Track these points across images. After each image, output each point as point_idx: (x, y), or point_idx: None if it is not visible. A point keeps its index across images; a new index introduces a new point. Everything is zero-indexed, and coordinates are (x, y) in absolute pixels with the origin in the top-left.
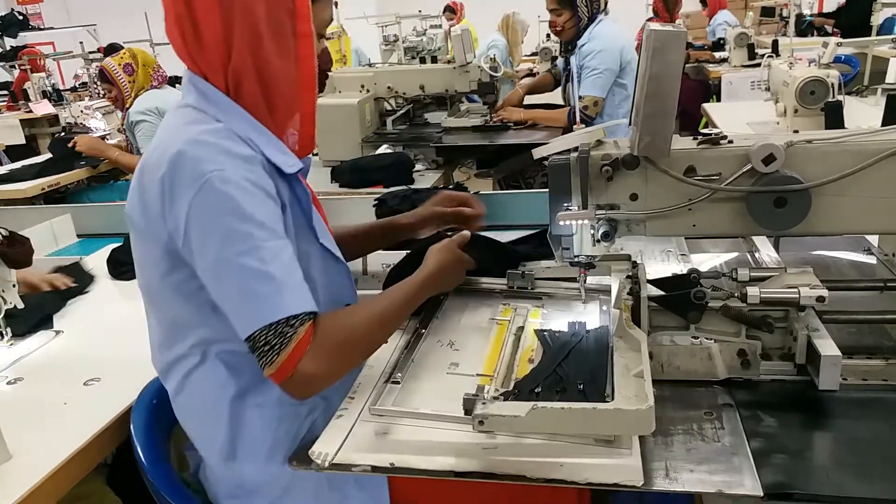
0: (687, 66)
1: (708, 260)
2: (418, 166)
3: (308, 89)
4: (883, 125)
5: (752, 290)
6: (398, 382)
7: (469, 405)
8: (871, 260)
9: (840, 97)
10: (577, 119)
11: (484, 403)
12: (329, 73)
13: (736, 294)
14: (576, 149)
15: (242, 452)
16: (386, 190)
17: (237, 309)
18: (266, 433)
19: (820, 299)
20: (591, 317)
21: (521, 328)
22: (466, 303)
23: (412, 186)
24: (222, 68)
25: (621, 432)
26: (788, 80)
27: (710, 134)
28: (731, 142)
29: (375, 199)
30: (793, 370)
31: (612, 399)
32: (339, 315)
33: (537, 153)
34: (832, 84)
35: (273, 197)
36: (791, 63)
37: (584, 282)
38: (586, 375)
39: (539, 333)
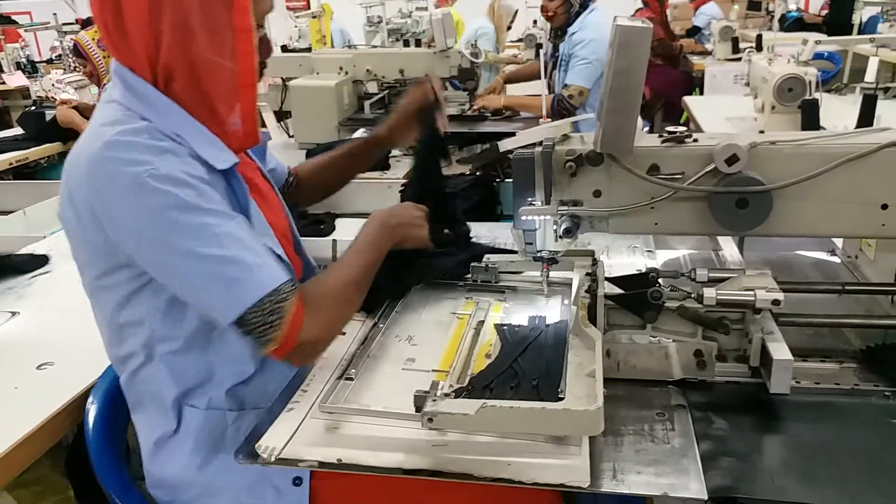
0: (674, 56)
1: (673, 256)
2: (395, 151)
3: (247, 86)
4: (858, 125)
5: (709, 292)
6: (351, 379)
7: (419, 402)
8: (835, 260)
9: (817, 95)
10: (557, 107)
11: (434, 401)
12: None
13: (693, 295)
14: (541, 143)
15: (168, 449)
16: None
17: (214, 299)
18: (195, 434)
19: (775, 302)
20: (553, 311)
21: (482, 322)
22: (428, 296)
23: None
24: (149, 62)
25: (570, 433)
26: (767, 76)
27: (676, 132)
28: (695, 140)
29: (402, 185)
30: (747, 372)
31: (564, 397)
32: (317, 281)
33: (503, 145)
34: (809, 82)
35: (210, 183)
36: (771, 59)
37: (548, 276)
38: (541, 371)
39: (498, 328)
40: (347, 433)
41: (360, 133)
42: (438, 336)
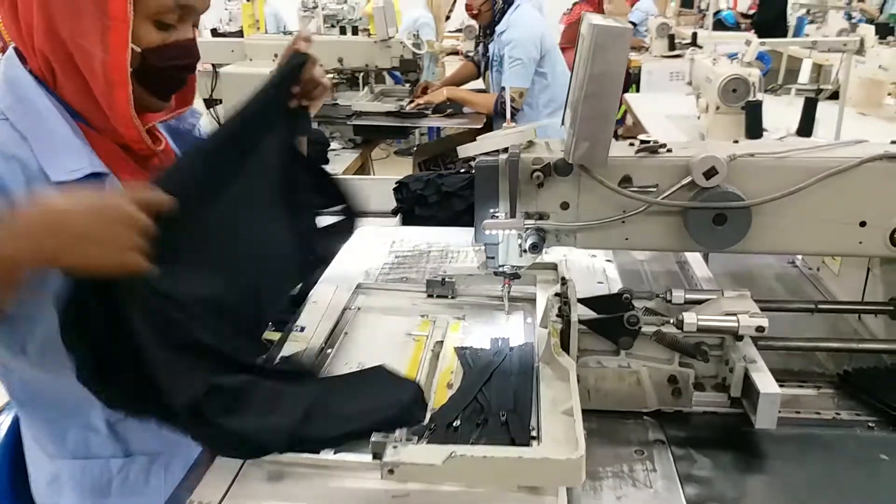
0: None
1: (633, 266)
2: (334, 145)
3: (117, 85)
4: (799, 130)
5: (689, 317)
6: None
7: (378, 449)
8: (794, 272)
9: (760, 96)
10: (506, 113)
11: (395, 447)
12: (191, 72)
13: (672, 321)
14: (505, 150)
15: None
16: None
17: None
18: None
19: (759, 329)
20: (515, 330)
21: (440, 343)
22: (379, 313)
23: (440, 171)
24: (29, 46)
25: (547, 484)
26: (712, 76)
27: (649, 141)
28: (669, 150)
29: (396, 183)
30: (726, 402)
31: (537, 436)
32: None
33: (463, 151)
34: (753, 83)
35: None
36: (714, 59)
37: (509, 293)
38: (509, 405)
39: (459, 352)
40: (294, 484)
41: None
42: (393, 361)
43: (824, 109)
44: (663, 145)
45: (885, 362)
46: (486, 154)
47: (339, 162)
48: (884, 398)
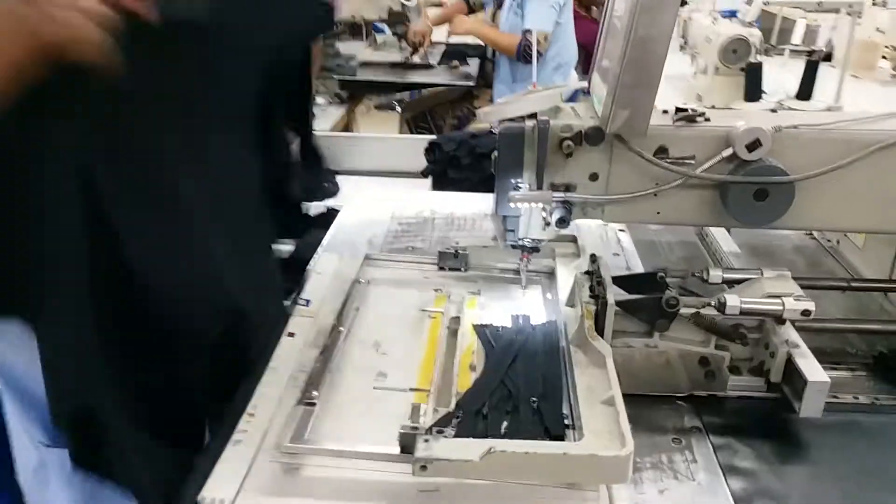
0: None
1: (647, 235)
2: (319, 100)
3: None
4: (799, 93)
5: (732, 300)
6: (313, 403)
7: (408, 442)
8: (812, 244)
9: (760, 58)
10: (532, 56)
11: (427, 441)
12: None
13: (712, 302)
14: (533, 115)
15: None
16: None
17: None
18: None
19: (805, 313)
20: (535, 307)
21: (457, 321)
22: (390, 287)
23: (469, 130)
24: None
25: (592, 482)
26: (712, 36)
27: (686, 109)
28: (708, 119)
29: (428, 143)
30: (763, 386)
31: (572, 425)
32: None
33: (485, 116)
34: (754, 44)
35: None
36: (714, 18)
37: (527, 267)
38: (538, 389)
39: (479, 330)
40: (311, 476)
41: None
42: (410, 340)
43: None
44: (701, 114)
45: None
46: (510, 120)
47: (326, 118)
48: None
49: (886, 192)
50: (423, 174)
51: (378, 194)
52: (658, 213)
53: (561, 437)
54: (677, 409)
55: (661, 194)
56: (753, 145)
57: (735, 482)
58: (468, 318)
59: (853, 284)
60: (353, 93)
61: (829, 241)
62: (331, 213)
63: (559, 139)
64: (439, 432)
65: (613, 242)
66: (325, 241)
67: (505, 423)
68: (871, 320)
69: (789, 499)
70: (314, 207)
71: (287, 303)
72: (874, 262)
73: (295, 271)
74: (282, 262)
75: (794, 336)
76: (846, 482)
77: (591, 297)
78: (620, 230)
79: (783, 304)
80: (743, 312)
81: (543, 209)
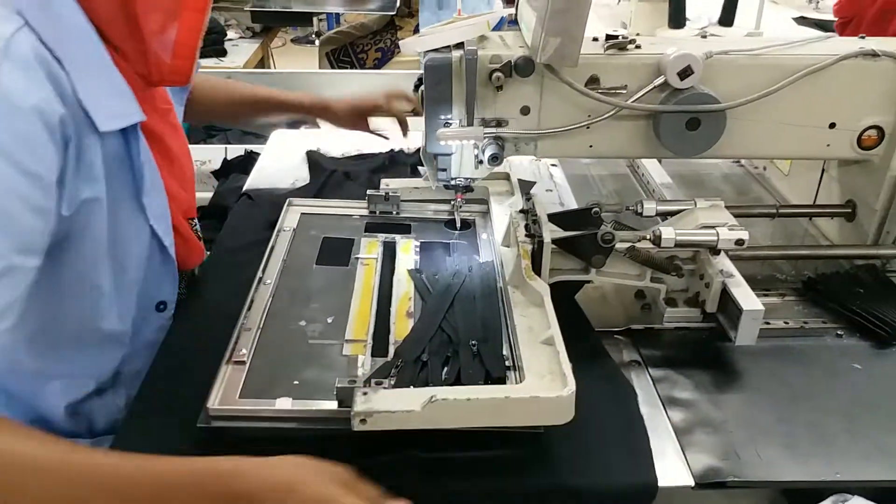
0: None
1: (579, 170)
2: (230, 34)
3: (194, 8)
4: (721, 19)
5: (667, 233)
6: (243, 362)
7: (345, 396)
8: (740, 171)
9: None
10: None
11: (365, 394)
12: None
13: (647, 236)
14: (459, 45)
15: None
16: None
17: None
18: None
19: (739, 242)
20: (470, 247)
21: (391, 267)
22: (316, 233)
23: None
24: None
25: (535, 423)
26: None
27: (617, 36)
28: (639, 46)
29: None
30: (698, 317)
31: (513, 366)
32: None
33: (406, 47)
34: None
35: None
36: None
37: (460, 207)
38: (478, 333)
39: (414, 276)
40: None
41: None
42: (341, 289)
43: None
44: (632, 41)
45: (844, 267)
46: (436, 51)
47: (238, 53)
48: (849, 304)
49: (813, 118)
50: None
51: (300, 134)
52: (591, 146)
53: (502, 380)
54: (616, 344)
55: (593, 127)
56: (685, 72)
57: (675, 413)
58: (402, 264)
59: (781, 211)
60: (267, 25)
61: (755, 168)
62: (250, 157)
63: (488, 71)
64: (378, 384)
65: (546, 178)
66: (245, 187)
67: (445, 369)
68: (800, 246)
69: (727, 426)
70: (232, 151)
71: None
72: (799, 187)
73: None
74: (201, 210)
75: (729, 265)
76: (780, 406)
77: (526, 235)
78: (553, 165)
79: (717, 235)
80: (678, 244)
81: (475, 146)
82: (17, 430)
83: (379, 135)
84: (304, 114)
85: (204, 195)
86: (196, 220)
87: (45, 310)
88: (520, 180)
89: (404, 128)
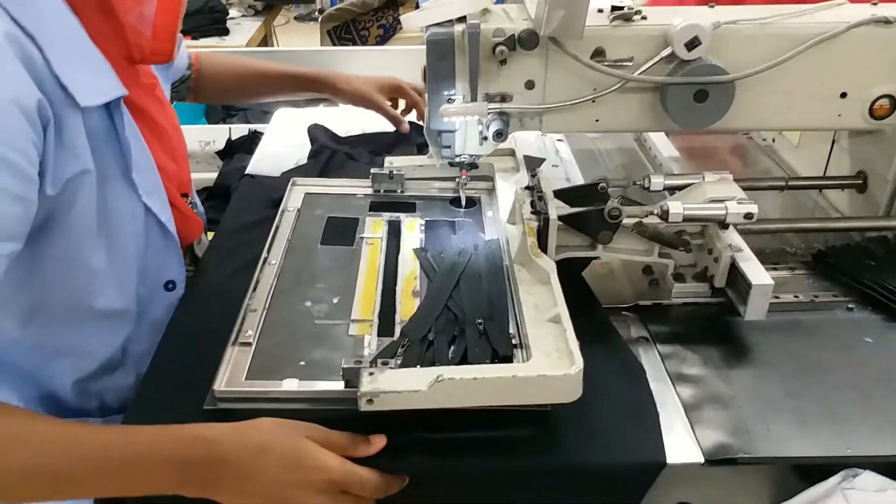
0: None
1: (585, 144)
2: (233, 12)
3: None
4: None
5: (675, 207)
6: (249, 344)
7: (352, 377)
8: (748, 143)
9: None
10: None
11: (371, 374)
12: None
13: (655, 211)
14: (462, 19)
15: None
16: None
17: None
18: None
19: (748, 216)
20: (475, 225)
21: (396, 246)
22: (321, 213)
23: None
24: None
25: (542, 401)
26: None
27: (622, 6)
28: (644, 17)
29: None
30: (707, 292)
31: (520, 344)
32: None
33: (407, 21)
34: None
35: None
36: None
37: (465, 185)
38: (485, 311)
39: (420, 254)
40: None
41: None
42: (348, 270)
43: None
44: (637, 12)
45: (855, 239)
46: (437, 25)
47: (240, 32)
48: (860, 277)
49: (824, 88)
50: None
51: (304, 114)
52: (597, 120)
53: (509, 358)
54: (623, 320)
55: (599, 100)
56: (692, 43)
57: (684, 389)
58: (407, 243)
59: (791, 183)
60: (269, 3)
61: (764, 140)
62: (254, 137)
63: (492, 45)
64: (384, 364)
65: (552, 153)
66: (248, 168)
67: (452, 348)
68: (810, 219)
69: (737, 401)
70: (236, 132)
71: (210, 235)
72: (809, 159)
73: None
74: (205, 191)
75: (738, 240)
76: (790, 380)
77: (532, 213)
78: (559, 140)
79: (726, 209)
80: (686, 219)
81: (479, 122)
82: (19, 414)
83: (396, 116)
84: (316, 87)
85: (208, 176)
86: (191, 196)
87: (34, 289)
88: (526, 157)
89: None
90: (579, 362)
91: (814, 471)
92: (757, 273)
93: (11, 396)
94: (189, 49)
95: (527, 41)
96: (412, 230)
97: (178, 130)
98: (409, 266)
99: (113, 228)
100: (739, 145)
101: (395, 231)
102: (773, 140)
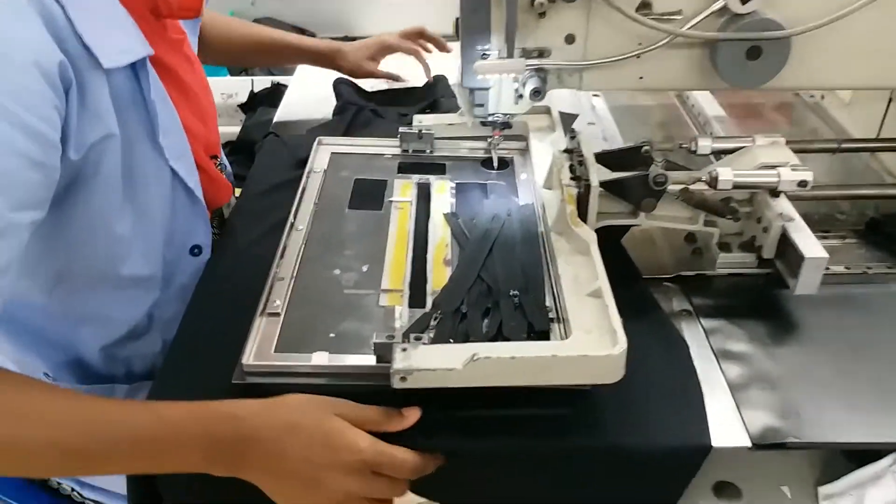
0: None
1: (623, 100)
2: None
3: None
4: None
5: (725, 174)
6: (277, 314)
7: (384, 352)
8: (794, 101)
9: None
10: None
11: (405, 350)
12: None
13: (703, 177)
14: None
15: None
16: None
17: None
18: None
19: (802, 184)
20: (508, 188)
21: (426, 210)
22: (348, 174)
23: None
24: None
25: (582, 382)
26: None
27: None
28: None
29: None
30: (754, 262)
31: (557, 317)
32: (18, 398)
33: None
34: None
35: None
36: None
37: (498, 145)
38: (520, 282)
39: (451, 220)
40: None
41: None
42: (377, 236)
43: None
44: None
45: None
46: None
47: None
48: None
49: (889, 43)
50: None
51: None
52: (641, 77)
53: (546, 334)
54: (665, 292)
55: (644, 56)
56: None
57: (729, 368)
58: (438, 207)
59: (843, 146)
60: None
61: (812, 96)
62: (277, 89)
63: None
64: (417, 339)
65: (588, 110)
66: (273, 123)
67: (486, 322)
68: (865, 185)
69: (785, 381)
70: (259, 83)
71: (234, 198)
72: (861, 118)
73: (244, 154)
74: (228, 145)
75: (789, 208)
76: (840, 358)
77: (571, 178)
78: (595, 95)
79: (779, 176)
80: (736, 186)
81: (515, 79)
82: (22, 382)
83: (392, 77)
84: (318, 61)
85: (231, 129)
86: (220, 157)
87: (59, 255)
88: (561, 113)
89: (425, 68)
90: (623, 342)
91: (863, 453)
92: (810, 245)
93: (40, 363)
94: None
95: None
96: (442, 193)
97: (206, 89)
98: (439, 232)
99: (139, 194)
100: (785, 102)
101: (424, 194)
102: (822, 97)
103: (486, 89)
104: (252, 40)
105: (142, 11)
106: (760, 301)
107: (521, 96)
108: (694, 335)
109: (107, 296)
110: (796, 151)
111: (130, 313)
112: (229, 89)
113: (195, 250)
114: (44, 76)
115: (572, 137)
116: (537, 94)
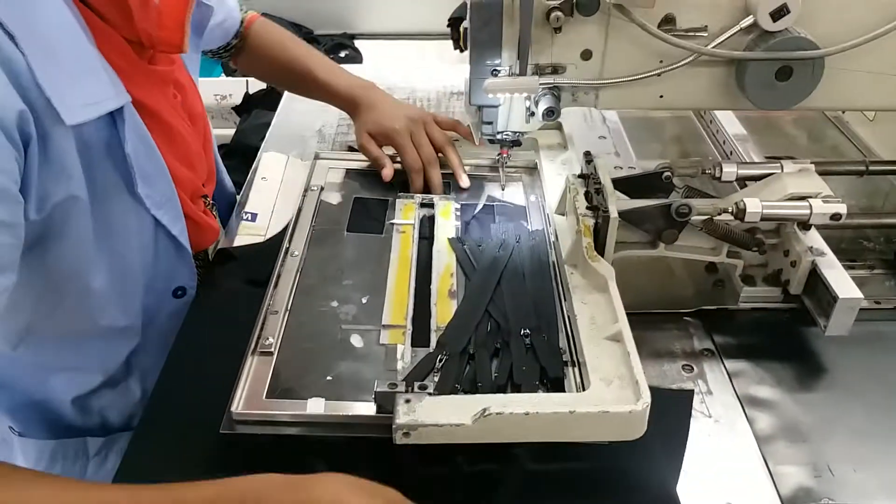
0: None
1: (636, 112)
2: None
3: None
4: None
5: (752, 205)
6: (270, 353)
7: (385, 402)
8: (815, 115)
9: None
10: None
11: (408, 401)
12: None
13: (730, 209)
14: None
15: None
16: None
17: None
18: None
19: (835, 217)
20: (516, 210)
21: (430, 232)
22: (347, 193)
23: None
24: None
25: (601, 439)
26: None
27: None
28: None
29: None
30: (779, 296)
31: (573, 360)
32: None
33: None
34: None
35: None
36: None
37: (505, 164)
38: (530, 319)
39: (456, 246)
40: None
41: None
42: (377, 263)
43: None
44: None
45: None
46: None
47: None
48: None
49: None
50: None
51: None
52: (661, 96)
53: (560, 381)
54: (684, 328)
55: (665, 75)
56: (779, 12)
57: (756, 416)
58: (442, 231)
59: (872, 168)
60: None
61: (833, 112)
62: (272, 91)
63: (545, 9)
64: (422, 388)
65: (598, 123)
66: (271, 127)
67: (495, 363)
68: (894, 213)
69: (816, 433)
70: (254, 85)
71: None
72: (886, 135)
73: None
74: (222, 149)
75: (820, 242)
76: (874, 406)
77: (588, 208)
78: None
79: (811, 208)
80: (764, 218)
81: (527, 97)
82: (18, 476)
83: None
84: (339, 106)
85: (225, 132)
86: (209, 198)
87: (27, 311)
88: None
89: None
90: (646, 395)
91: None
92: (843, 284)
93: (4, 416)
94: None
95: (586, 6)
96: (447, 216)
97: (200, 120)
98: (444, 260)
99: (116, 246)
100: (805, 117)
101: (428, 217)
102: (843, 112)
103: (496, 107)
104: (289, 67)
105: (122, 48)
106: (787, 339)
107: (532, 114)
108: (717, 378)
109: (80, 347)
110: (822, 174)
111: (106, 362)
112: (223, 91)
113: (178, 292)
114: (1, 128)
115: (589, 162)
116: (551, 114)
